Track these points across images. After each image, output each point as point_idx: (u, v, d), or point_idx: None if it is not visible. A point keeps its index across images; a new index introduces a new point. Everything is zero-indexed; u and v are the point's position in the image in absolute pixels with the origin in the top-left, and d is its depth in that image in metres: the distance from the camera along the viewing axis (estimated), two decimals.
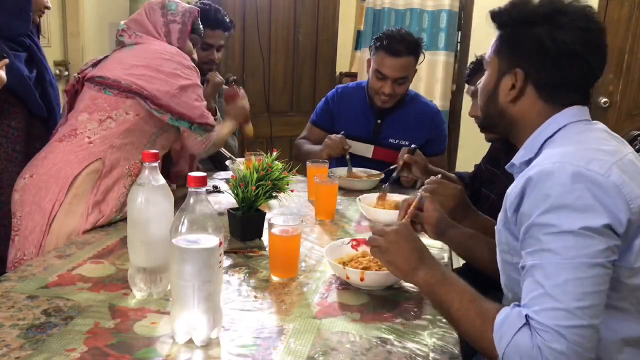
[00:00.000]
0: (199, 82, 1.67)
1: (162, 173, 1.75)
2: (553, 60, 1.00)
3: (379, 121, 2.25)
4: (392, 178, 1.90)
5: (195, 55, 1.80)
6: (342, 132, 2.17)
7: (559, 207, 0.86)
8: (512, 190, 0.96)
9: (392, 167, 2.05)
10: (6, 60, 1.43)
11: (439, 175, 1.58)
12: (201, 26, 1.82)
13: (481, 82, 1.14)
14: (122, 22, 1.68)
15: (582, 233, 0.84)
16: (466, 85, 1.86)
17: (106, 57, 1.67)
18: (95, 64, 1.65)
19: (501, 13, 1.07)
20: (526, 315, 0.84)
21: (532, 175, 0.90)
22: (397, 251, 1.06)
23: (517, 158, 1.07)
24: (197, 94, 1.65)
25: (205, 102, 1.69)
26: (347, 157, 2.15)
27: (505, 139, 1.14)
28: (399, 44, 2.07)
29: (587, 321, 0.82)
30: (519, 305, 0.88)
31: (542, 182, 0.89)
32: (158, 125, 1.63)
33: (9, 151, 1.58)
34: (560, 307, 0.82)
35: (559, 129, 1.00)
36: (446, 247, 1.48)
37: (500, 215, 1.03)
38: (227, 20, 2.22)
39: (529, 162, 1.02)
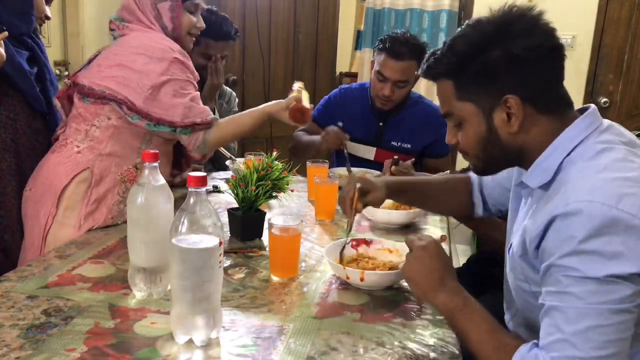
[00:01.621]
0: (181, 76, 1.49)
1: (174, 162, 1.65)
2: (535, 67, 0.93)
3: (381, 124, 2.24)
4: None
5: (201, 24, 1.62)
6: (340, 124, 2.15)
7: (585, 251, 0.80)
8: (533, 226, 0.91)
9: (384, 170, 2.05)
10: (5, 33, 1.41)
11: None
12: None
13: (463, 136, 1.01)
14: (115, 13, 1.61)
15: (608, 280, 0.79)
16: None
17: (99, 53, 1.60)
18: (89, 62, 1.60)
19: (446, 56, 0.98)
20: None
21: (558, 215, 0.84)
22: (419, 269, 1.01)
23: (531, 180, 0.97)
24: (175, 89, 1.47)
25: (188, 97, 1.51)
26: (346, 153, 2.13)
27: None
28: (402, 47, 2.06)
29: None
30: (536, 344, 0.85)
31: (568, 221, 0.82)
32: None
33: (7, 141, 1.55)
34: (579, 355, 0.79)
35: (577, 146, 0.92)
36: (446, 248, 1.47)
37: (517, 247, 0.99)
38: (233, 31, 2.16)
39: (546, 185, 0.94)
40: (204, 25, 1.65)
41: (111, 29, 1.60)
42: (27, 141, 1.60)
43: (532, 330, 1.01)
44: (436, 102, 2.76)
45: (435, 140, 2.24)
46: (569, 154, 0.92)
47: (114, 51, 1.52)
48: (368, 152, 2.26)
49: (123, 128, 1.51)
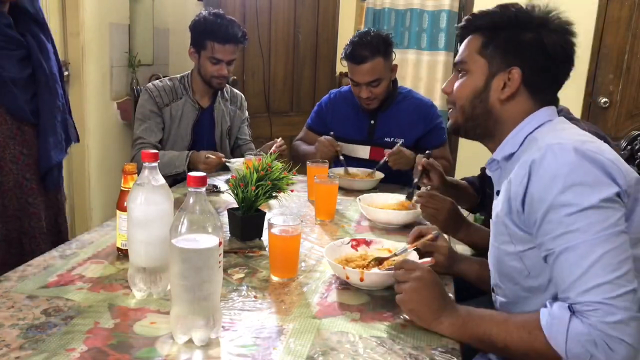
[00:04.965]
0: None
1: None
2: (550, 62, 1.06)
3: (372, 122, 2.27)
4: (413, 185, 1.73)
5: None
6: (332, 133, 2.18)
7: (572, 185, 0.89)
8: (515, 177, 0.97)
9: (381, 161, 2.06)
10: None
11: (429, 188, 1.58)
12: None
13: (461, 83, 1.14)
14: None
15: (602, 205, 0.87)
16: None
17: None
18: None
19: (491, 15, 1.11)
20: (569, 306, 0.87)
21: (536, 159, 0.93)
22: (419, 300, 1.01)
23: (498, 154, 1.11)
24: None
25: None
26: (341, 158, 2.17)
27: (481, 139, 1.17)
28: (363, 50, 2.07)
29: (629, 286, 0.85)
30: (555, 299, 0.90)
31: (547, 163, 0.92)
32: None
33: None
34: (602, 281, 0.84)
35: (539, 126, 1.06)
36: None
37: (500, 206, 1.03)
38: (240, 33, 2.16)
39: (510, 156, 1.07)
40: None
41: None
42: (10, 153, 1.52)
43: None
44: (434, 101, 2.74)
45: (428, 132, 2.24)
46: (531, 132, 1.06)
47: None
48: (362, 151, 2.28)
49: None
